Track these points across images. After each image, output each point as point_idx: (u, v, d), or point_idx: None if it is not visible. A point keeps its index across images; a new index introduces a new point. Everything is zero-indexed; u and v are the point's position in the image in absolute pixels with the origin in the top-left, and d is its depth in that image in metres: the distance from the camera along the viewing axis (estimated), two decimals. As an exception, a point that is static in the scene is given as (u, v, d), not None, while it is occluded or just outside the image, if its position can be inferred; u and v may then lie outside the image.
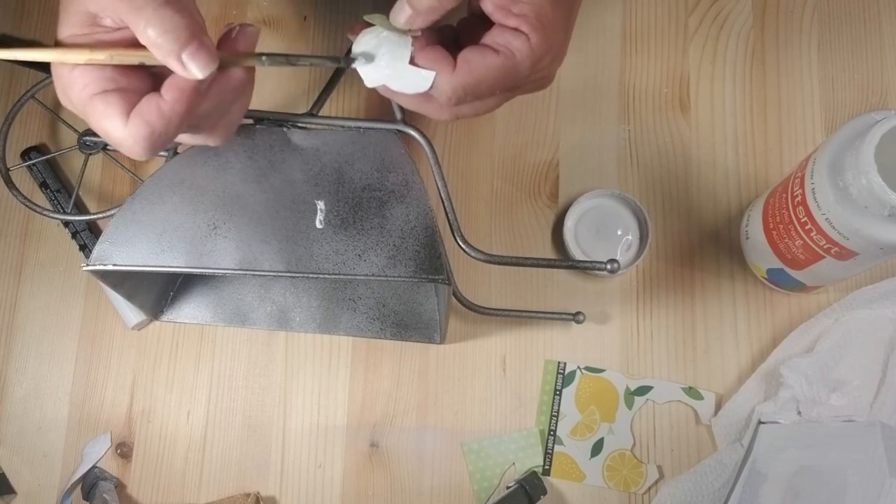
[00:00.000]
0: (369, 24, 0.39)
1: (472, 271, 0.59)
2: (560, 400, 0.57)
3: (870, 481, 0.41)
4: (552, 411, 0.57)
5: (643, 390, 0.57)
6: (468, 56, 0.38)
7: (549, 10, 0.38)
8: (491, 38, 0.38)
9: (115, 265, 0.45)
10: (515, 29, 0.38)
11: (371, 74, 0.39)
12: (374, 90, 0.41)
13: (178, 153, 0.50)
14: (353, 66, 0.39)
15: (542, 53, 0.38)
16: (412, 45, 0.38)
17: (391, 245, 0.46)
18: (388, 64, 0.38)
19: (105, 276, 0.48)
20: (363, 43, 0.39)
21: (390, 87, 0.39)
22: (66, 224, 0.61)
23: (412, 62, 0.38)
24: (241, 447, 0.57)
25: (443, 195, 0.50)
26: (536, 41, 0.38)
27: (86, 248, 0.60)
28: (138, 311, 0.57)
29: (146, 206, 0.46)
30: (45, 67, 0.62)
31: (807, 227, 0.47)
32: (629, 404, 0.56)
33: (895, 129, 0.42)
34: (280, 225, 0.45)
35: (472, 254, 0.50)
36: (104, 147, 0.58)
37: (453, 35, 0.41)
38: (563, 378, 0.57)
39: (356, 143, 0.49)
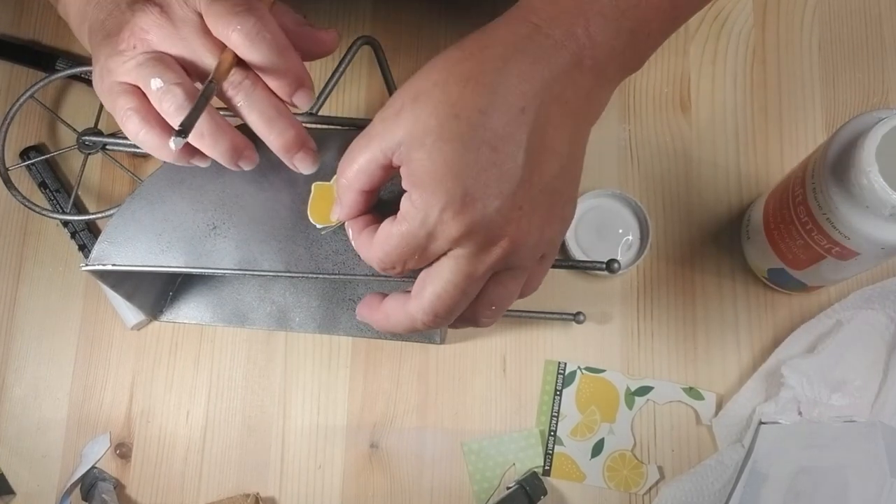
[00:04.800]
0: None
1: (473, 271, 0.58)
2: (560, 400, 0.57)
3: (871, 481, 0.41)
4: (552, 411, 0.56)
5: (644, 390, 0.56)
6: (382, 227, 0.37)
7: (425, 159, 0.34)
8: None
9: (114, 265, 0.45)
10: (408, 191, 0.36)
11: None
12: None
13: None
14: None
15: (427, 209, 0.34)
16: None
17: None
18: None
19: (104, 276, 0.48)
20: None
21: None
22: (66, 224, 0.61)
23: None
24: (240, 447, 0.57)
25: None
26: (416, 198, 0.34)
27: (85, 248, 0.60)
28: (137, 311, 0.57)
29: (145, 205, 0.46)
30: (45, 66, 0.63)
31: (808, 227, 0.47)
32: (629, 404, 0.56)
33: (896, 129, 0.42)
34: (280, 225, 0.45)
35: (473, 254, 0.50)
36: (103, 147, 0.58)
37: None
38: (564, 378, 0.57)
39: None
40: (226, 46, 0.40)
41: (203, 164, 0.43)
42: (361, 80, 0.63)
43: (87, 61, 0.62)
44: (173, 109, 0.39)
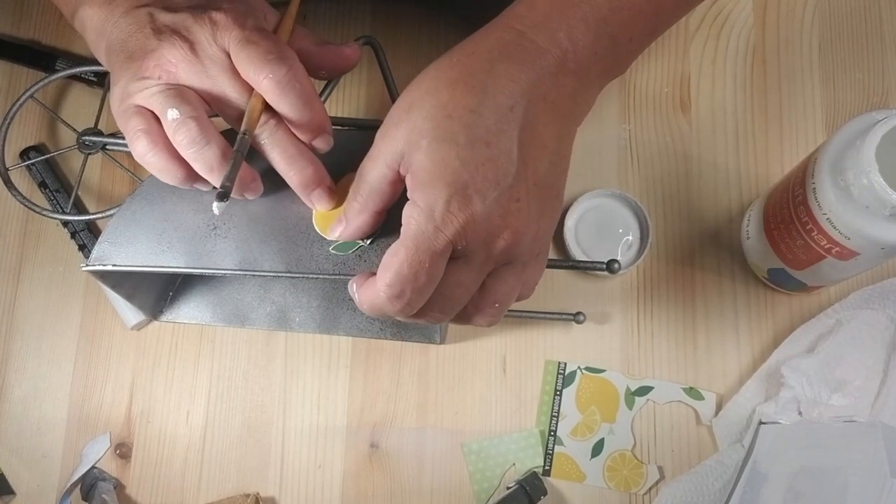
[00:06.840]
0: None
1: (473, 271, 0.58)
2: (560, 400, 0.57)
3: (871, 482, 0.41)
4: (552, 412, 0.56)
5: (644, 390, 0.56)
6: (386, 254, 0.37)
7: (424, 160, 0.35)
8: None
9: (114, 265, 0.45)
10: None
11: None
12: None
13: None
14: None
15: (432, 204, 0.35)
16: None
17: (391, 245, 0.45)
18: None
19: (104, 277, 0.48)
20: None
21: None
22: (66, 224, 0.61)
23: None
24: (240, 447, 0.57)
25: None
26: (419, 197, 0.35)
27: (85, 248, 0.60)
28: (138, 311, 0.57)
29: (146, 205, 0.46)
30: (45, 66, 0.63)
31: (808, 227, 0.47)
32: (630, 405, 0.56)
33: (896, 129, 0.42)
34: (280, 225, 0.45)
35: (473, 254, 0.50)
36: (103, 147, 0.58)
37: None
38: (564, 378, 0.57)
39: (356, 143, 0.48)
40: (253, 89, 0.41)
41: (204, 189, 0.44)
42: (361, 80, 0.63)
43: (87, 61, 0.62)
44: (186, 142, 0.40)
